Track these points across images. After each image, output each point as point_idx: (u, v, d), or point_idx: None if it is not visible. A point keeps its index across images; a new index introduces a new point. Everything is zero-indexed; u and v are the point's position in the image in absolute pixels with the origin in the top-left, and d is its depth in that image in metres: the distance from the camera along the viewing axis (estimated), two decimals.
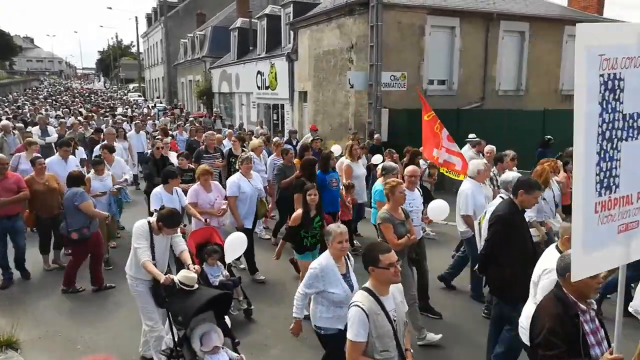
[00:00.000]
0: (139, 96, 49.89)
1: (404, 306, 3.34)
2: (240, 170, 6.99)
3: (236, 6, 31.38)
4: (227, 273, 5.45)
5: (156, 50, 47.58)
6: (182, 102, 38.91)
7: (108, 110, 27.71)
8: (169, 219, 4.52)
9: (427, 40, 15.09)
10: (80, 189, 6.51)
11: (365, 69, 13.98)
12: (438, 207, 6.05)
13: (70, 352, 5.13)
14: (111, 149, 8.94)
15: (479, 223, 5.76)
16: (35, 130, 12.81)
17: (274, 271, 7.18)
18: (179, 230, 4.84)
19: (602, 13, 19.35)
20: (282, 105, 21.72)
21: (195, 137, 12.75)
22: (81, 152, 10.45)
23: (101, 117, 20.97)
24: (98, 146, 10.18)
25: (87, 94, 54.87)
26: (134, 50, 76.49)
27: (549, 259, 3.50)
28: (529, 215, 5.49)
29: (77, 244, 6.45)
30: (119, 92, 62.22)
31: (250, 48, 25.61)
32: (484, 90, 16.30)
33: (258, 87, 23.74)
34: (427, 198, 7.24)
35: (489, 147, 8.63)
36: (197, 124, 17.26)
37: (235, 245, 5.25)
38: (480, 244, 5.43)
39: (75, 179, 6.57)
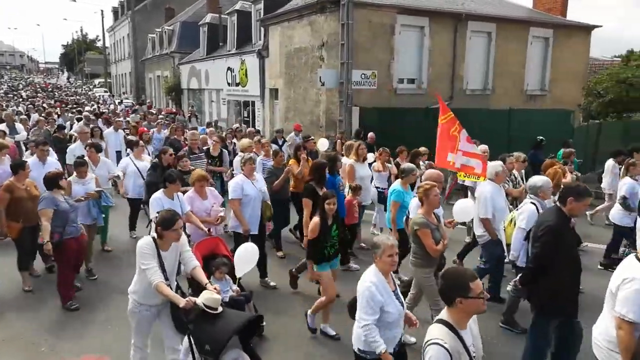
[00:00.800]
0: (105, 92, 48.70)
1: (479, 339, 2.94)
2: (242, 172, 6.55)
3: (206, 1, 31.00)
4: (237, 288, 4.88)
5: (123, 45, 46.54)
6: (150, 98, 38.18)
7: (74, 106, 26.76)
8: (167, 220, 4.00)
9: (397, 39, 15.26)
10: (49, 193, 5.87)
11: (336, 66, 14.03)
12: (464, 208, 5.63)
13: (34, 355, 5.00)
14: (98, 148, 8.12)
15: (504, 228, 5.68)
16: (2, 127, 11.98)
17: (275, 279, 6.79)
18: (185, 238, 4.33)
19: (566, 15, 19.98)
20: (253, 102, 21.59)
21: (175, 136, 12.02)
22: (51, 153, 9.72)
23: (65, 114, 20.12)
24: (74, 145, 9.31)
25: (50, 89, 53.19)
26: (99, 44, 74.48)
27: (629, 268, 3.23)
28: None
29: (56, 252, 5.82)
30: (84, 87, 60.57)
31: (220, 44, 25.35)
32: (452, 89, 16.59)
33: (228, 84, 23.53)
34: None
35: (483, 147, 8.55)
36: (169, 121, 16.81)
37: (246, 257, 4.79)
38: (507, 250, 5.30)
39: (50, 180, 5.92)
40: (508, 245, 5.52)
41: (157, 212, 4.69)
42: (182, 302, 3.75)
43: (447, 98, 16.51)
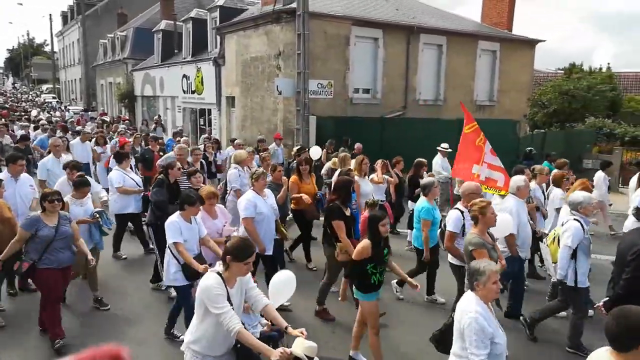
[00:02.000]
0: (54, 98, 46.93)
1: None
2: (253, 187, 6.03)
3: (160, 8, 30.47)
4: (268, 321, 4.18)
5: (72, 50, 45.04)
6: (102, 105, 37.10)
7: (21, 113, 25.52)
8: (242, 251, 3.31)
9: (352, 50, 15.58)
10: (37, 214, 5.13)
11: (292, 76, 14.16)
12: (504, 222, 5.25)
13: None
14: (78, 167, 7.23)
15: (547, 246, 5.49)
16: None
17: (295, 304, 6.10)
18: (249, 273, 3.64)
19: (512, 29, 20.94)
20: (209, 110, 21.41)
21: (150, 147, 11.19)
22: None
23: (16, 122, 18.96)
24: (47, 159, 8.39)
25: None
26: (47, 49, 71.84)
27: None
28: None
29: (34, 281, 5.22)
30: (30, 93, 58.13)
31: (175, 51, 25.03)
32: (405, 100, 17.06)
33: (184, 91, 23.24)
34: None
35: None
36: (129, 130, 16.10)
37: (282, 286, 4.14)
38: (552, 269, 5.20)
39: (43, 198, 5.18)
40: (554, 263, 5.33)
41: (177, 239, 4.68)
42: (275, 354, 3.09)
43: (401, 108, 16.99)
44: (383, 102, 16.57)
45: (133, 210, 7.92)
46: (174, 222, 4.97)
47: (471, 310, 3.15)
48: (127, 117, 27.71)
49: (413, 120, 15.30)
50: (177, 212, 5.08)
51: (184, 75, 22.91)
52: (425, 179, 6.61)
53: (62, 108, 35.10)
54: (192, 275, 4.85)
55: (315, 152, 10.52)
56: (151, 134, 14.56)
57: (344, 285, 5.01)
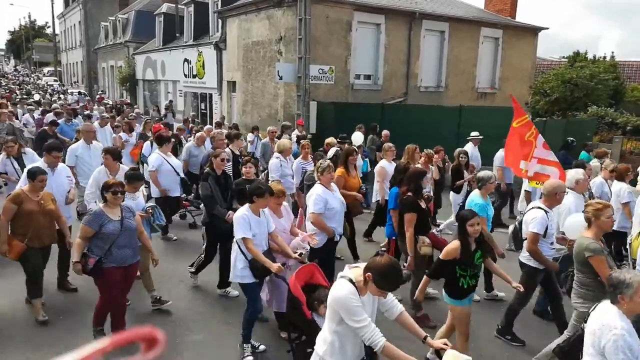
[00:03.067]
0: (55, 81, 46.82)
1: None
2: (320, 181, 5.59)
3: None
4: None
5: (74, 33, 44.80)
6: (103, 88, 37.04)
7: (24, 97, 25.12)
8: (390, 280, 2.92)
9: (353, 35, 15.52)
10: (100, 207, 4.67)
11: (293, 61, 14.14)
12: (575, 224, 4.81)
13: None
14: (116, 154, 6.55)
15: (630, 242, 5.13)
16: None
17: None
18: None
19: (515, 17, 20.81)
20: (210, 95, 21.41)
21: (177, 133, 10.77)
22: (31, 155, 7.54)
23: (25, 106, 18.33)
24: (77, 145, 7.68)
25: None
26: (49, 31, 71.42)
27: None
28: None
29: (97, 280, 4.67)
30: (32, 75, 57.96)
31: (177, 35, 24.94)
32: (407, 86, 17.03)
33: (185, 75, 23.21)
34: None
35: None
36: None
37: None
38: (632, 265, 4.78)
39: (106, 187, 4.70)
40: (634, 260, 4.91)
41: (245, 235, 4.33)
42: None
43: (402, 94, 16.97)
44: (384, 89, 16.54)
45: (173, 193, 7.59)
46: (243, 215, 4.59)
47: (616, 327, 2.89)
48: (129, 101, 27.69)
49: (414, 107, 15.28)
50: (246, 205, 4.69)
51: (185, 59, 22.87)
52: (483, 172, 6.09)
53: (61, 91, 34.93)
54: (261, 273, 4.56)
55: (358, 138, 9.84)
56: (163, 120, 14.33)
57: (423, 285, 4.64)
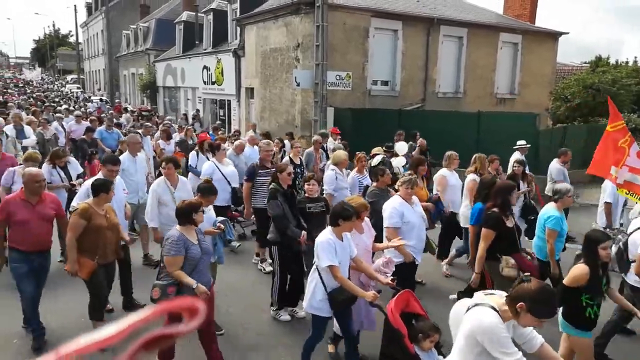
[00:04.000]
0: (78, 88, 47.83)
1: None
2: (399, 193, 5.25)
3: None
4: None
5: (96, 41, 45.75)
6: (124, 95, 37.69)
7: (51, 104, 25.18)
8: (546, 307, 2.70)
9: (371, 41, 15.54)
10: (178, 230, 4.18)
11: (311, 67, 14.21)
12: None
13: None
14: (176, 163, 6.23)
15: None
16: (8, 130, 9.66)
17: None
18: None
19: (535, 22, 20.58)
20: (229, 102, 21.61)
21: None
22: (75, 164, 7.52)
23: (51, 114, 18.26)
24: (124, 156, 7.18)
25: (21, 85, 51.92)
26: (72, 40, 73.07)
27: None
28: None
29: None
30: (56, 83, 59.30)
31: (196, 42, 25.28)
32: (424, 92, 16.96)
33: (204, 82, 23.49)
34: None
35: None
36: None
37: None
38: None
39: (184, 212, 4.24)
40: None
41: (331, 262, 3.90)
42: None
43: (420, 100, 16.90)
44: (401, 95, 16.50)
45: (220, 202, 6.92)
46: (328, 240, 4.09)
47: None
48: (150, 108, 28.11)
49: (432, 113, 15.21)
50: (329, 229, 4.22)
51: (205, 67, 23.14)
52: (561, 184, 5.73)
53: (87, 98, 35.60)
54: (340, 305, 4.15)
55: (402, 147, 9.30)
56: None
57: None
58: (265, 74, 17.52)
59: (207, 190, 5.12)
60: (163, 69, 29.17)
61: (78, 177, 7.28)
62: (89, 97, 36.34)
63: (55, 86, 54.21)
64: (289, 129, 15.71)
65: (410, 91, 16.70)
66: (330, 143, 10.83)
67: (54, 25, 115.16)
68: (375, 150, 8.68)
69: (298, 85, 14.12)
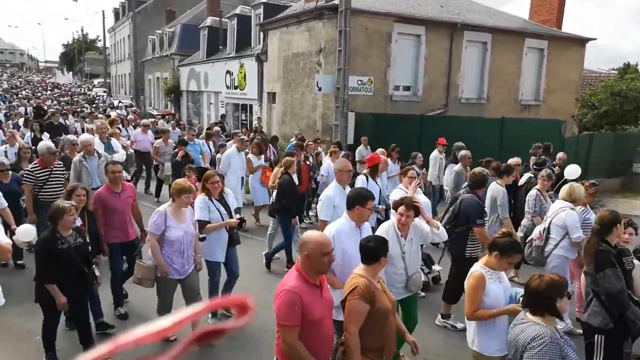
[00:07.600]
0: (105, 92, 48.86)
1: None
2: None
3: (206, 4, 31.22)
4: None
5: (123, 46, 46.67)
6: (148, 99, 38.30)
7: (83, 109, 25.30)
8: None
9: (393, 46, 15.48)
10: None
11: (333, 72, 14.21)
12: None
13: None
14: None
15: None
16: (99, 147, 8.26)
17: None
18: None
19: (561, 27, 20.22)
20: (251, 106, 21.77)
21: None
22: (232, 197, 6.15)
23: (76, 117, 17.75)
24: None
25: (50, 88, 53.28)
26: (100, 44, 74.71)
27: None
28: None
29: None
30: (83, 87, 60.68)
31: (220, 47, 25.56)
32: (447, 98, 16.80)
33: (227, 87, 23.71)
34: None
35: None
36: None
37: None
38: None
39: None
40: None
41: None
42: None
43: (442, 106, 16.75)
44: (424, 100, 16.38)
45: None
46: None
47: None
48: (173, 112, 28.49)
49: (454, 119, 15.04)
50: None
51: (228, 71, 23.37)
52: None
53: (111, 101, 36.18)
54: None
55: (574, 172, 7.28)
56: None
57: None
58: (287, 79, 17.59)
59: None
60: (187, 74, 29.56)
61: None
62: (112, 102, 36.75)
63: (82, 90, 55.46)
64: (309, 133, 15.72)
65: (432, 96, 16.57)
66: (358, 154, 11.69)
67: (82, 30, 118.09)
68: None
69: (320, 89, 14.13)
